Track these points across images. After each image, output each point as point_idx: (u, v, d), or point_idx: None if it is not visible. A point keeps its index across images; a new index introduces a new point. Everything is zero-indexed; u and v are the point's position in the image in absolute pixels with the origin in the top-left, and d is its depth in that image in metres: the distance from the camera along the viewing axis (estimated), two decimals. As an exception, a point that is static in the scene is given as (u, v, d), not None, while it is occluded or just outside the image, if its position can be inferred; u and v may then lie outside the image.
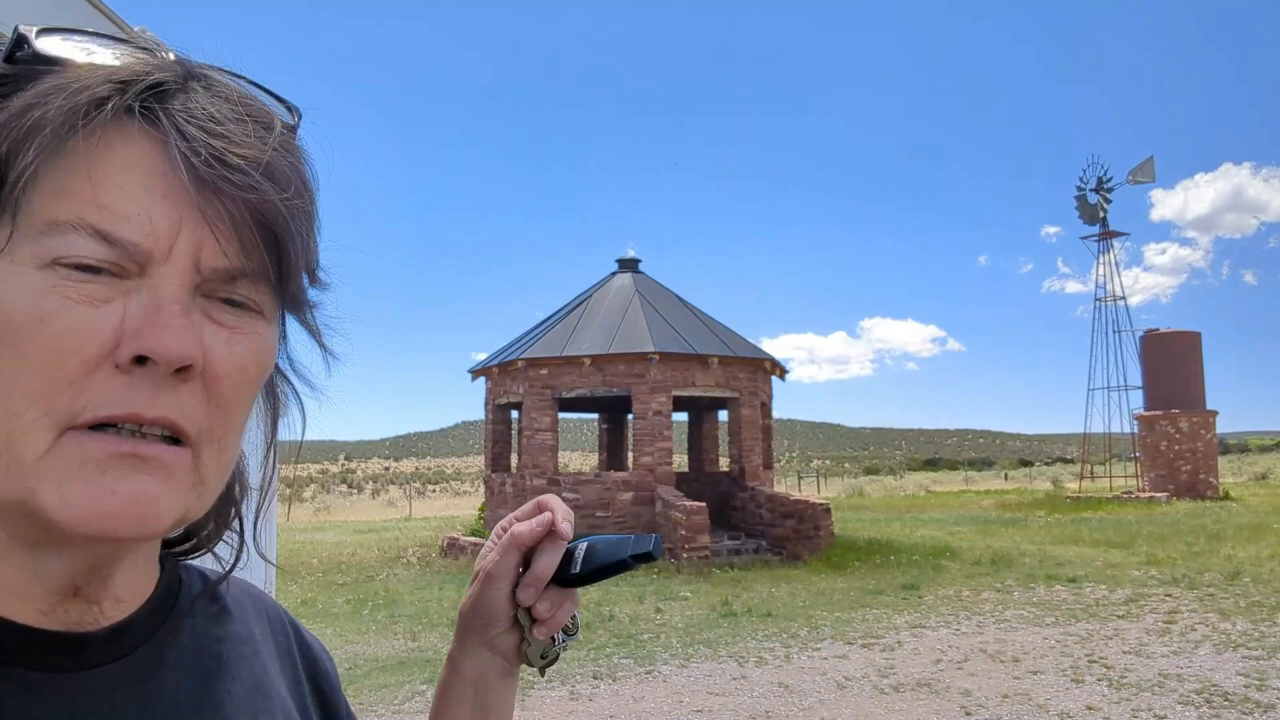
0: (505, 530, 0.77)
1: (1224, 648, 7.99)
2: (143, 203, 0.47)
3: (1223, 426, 33.11)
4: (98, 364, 0.46)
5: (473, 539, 16.89)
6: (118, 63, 0.50)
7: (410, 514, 34.17)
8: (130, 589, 0.56)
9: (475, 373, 18.84)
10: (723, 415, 19.36)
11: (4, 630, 0.49)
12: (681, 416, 21.28)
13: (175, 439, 0.48)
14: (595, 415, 23.16)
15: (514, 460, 18.53)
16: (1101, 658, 7.78)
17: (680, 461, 21.49)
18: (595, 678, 7.51)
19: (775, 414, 19.13)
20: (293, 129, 0.56)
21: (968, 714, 6.29)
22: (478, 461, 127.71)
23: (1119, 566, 13.50)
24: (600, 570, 0.76)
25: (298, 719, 0.66)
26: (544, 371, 16.70)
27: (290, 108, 0.57)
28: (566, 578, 0.76)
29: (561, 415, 19.35)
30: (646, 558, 0.76)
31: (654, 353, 16.08)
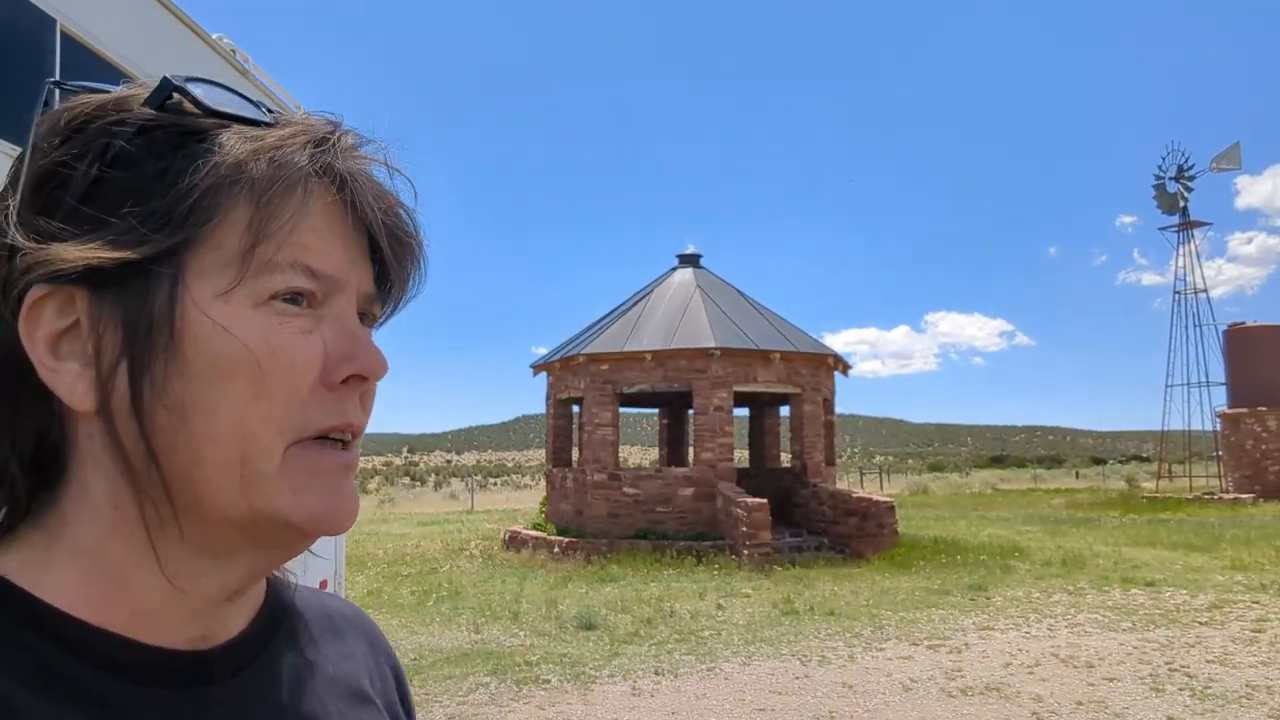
0: None
1: None
2: (332, 244, 0.55)
3: None
4: (317, 385, 0.54)
5: (534, 532, 17.03)
6: (312, 122, 0.57)
7: (472, 507, 34.59)
8: (250, 603, 0.62)
9: (537, 368, 18.98)
10: (784, 411, 19.20)
11: (132, 650, 0.53)
12: (743, 412, 21.21)
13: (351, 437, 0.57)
14: (656, 410, 23.18)
15: (575, 455, 18.63)
16: (1183, 666, 7.51)
17: (741, 457, 21.41)
18: (657, 674, 7.51)
19: (837, 409, 18.93)
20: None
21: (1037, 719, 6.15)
22: (538, 455, 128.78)
23: (1201, 570, 13.04)
24: None
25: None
26: (605, 367, 16.75)
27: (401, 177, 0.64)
28: None
29: (622, 410, 19.41)
30: None
31: (715, 348, 16.02)
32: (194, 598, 0.55)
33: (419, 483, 67.32)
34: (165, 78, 0.54)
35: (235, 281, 0.52)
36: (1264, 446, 28.47)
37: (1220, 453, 30.99)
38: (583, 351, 17.05)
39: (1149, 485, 34.83)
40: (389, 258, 0.58)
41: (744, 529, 14.11)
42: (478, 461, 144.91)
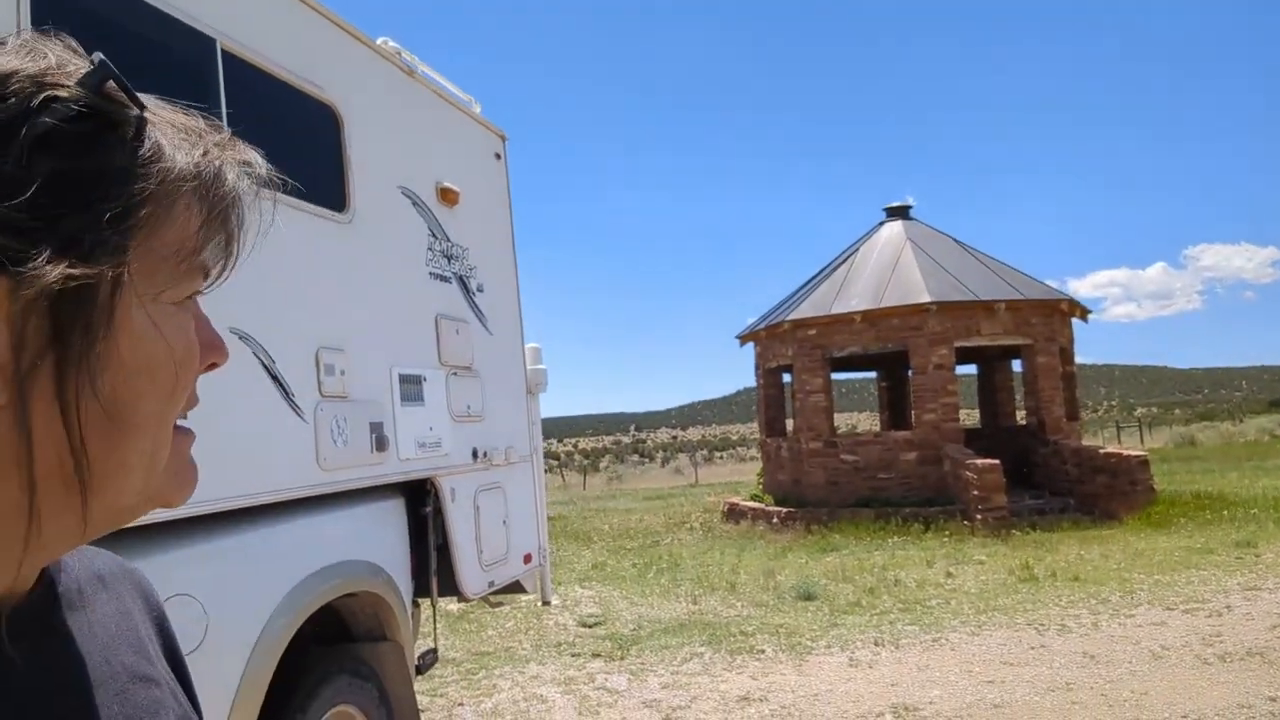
0: None
1: None
2: (219, 241, 0.59)
3: None
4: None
5: (752, 504, 17.05)
6: (220, 151, 0.58)
7: (696, 480, 35.10)
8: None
9: (743, 338, 18.92)
10: (1017, 365, 18.12)
11: None
12: (969, 369, 20.20)
13: None
14: (873, 373, 22.54)
15: (789, 424, 18.46)
16: None
17: (971, 417, 20.42)
18: (876, 644, 7.33)
19: (1088, 359, 17.85)
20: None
21: (1321, 691, 5.49)
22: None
23: None
24: None
25: (177, 687, 0.71)
26: (812, 332, 16.44)
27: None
28: None
29: (837, 375, 19.01)
30: None
31: (930, 303, 15.33)
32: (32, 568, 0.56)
33: (646, 459, 69.05)
34: (102, 59, 0.52)
35: (170, 283, 0.55)
36: None
37: None
38: (788, 318, 16.81)
39: None
40: (235, 260, 0.61)
41: (975, 492, 13.46)
42: (702, 436, 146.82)
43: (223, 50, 3.04)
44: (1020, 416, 19.21)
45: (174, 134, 0.55)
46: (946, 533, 13.03)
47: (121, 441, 0.53)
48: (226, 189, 0.57)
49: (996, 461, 13.58)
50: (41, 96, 0.49)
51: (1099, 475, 14.29)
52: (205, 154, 0.56)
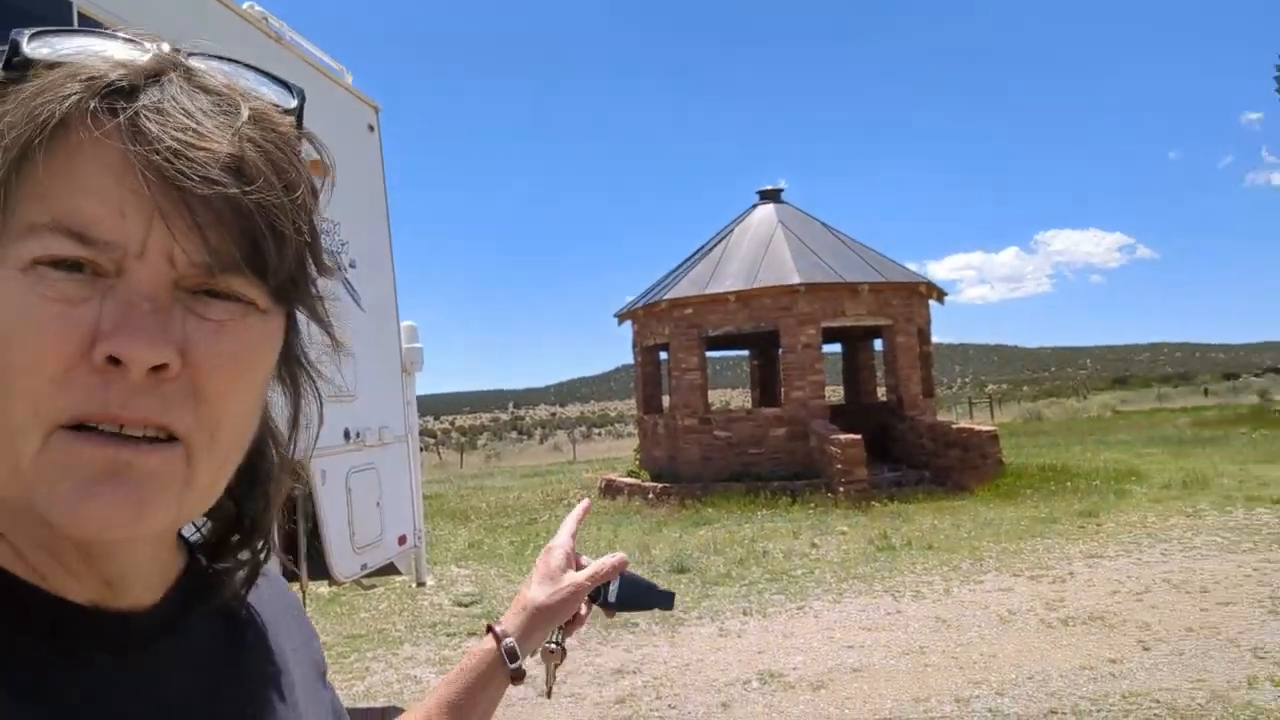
0: (566, 552, 1.03)
1: None
2: (114, 202, 0.48)
3: None
4: (76, 363, 0.47)
5: (629, 479, 17.22)
6: (92, 62, 0.50)
7: (574, 457, 35.20)
8: (141, 576, 0.57)
9: (621, 316, 19.02)
10: (879, 344, 18.82)
11: (59, 608, 0.52)
12: (835, 348, 20.85)
13: (167, 437, 0.49)
14: (746, 352, 23.01)
15: (666, 401, 18.69)
16: (1312, 588, 7.12)
17: (836, 394, 21.10)
18: (745, 614, 7.53)
19: (944, 339, 18.63)
20: (292, 112, 0.56)
21: (1145, 648, 5.93)
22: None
23: (1337, 485, 12.34)
24: (633, 607, 1.05)
25: (314, 697, 0.71)
26: (688, 311, 16.67)
27: (292, 90, 0.57)
28: (602, 602, 1.04)
29: (711, 353, 19.32)
30: (665, 605, 1.08)
31: (800, 284, 15.74)
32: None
33: (525, 436, 68.77)
34: (11, 35, 0.50)
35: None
36: None
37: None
38: (665, 297, 16.99)
39: (1285, 398, 32.99)
40: (196, 223, 0.48)
41: (839, 466, 13.95)
42: (581, 413, 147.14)
43: (79, 14, 2.86)
44: (881, 393, 19.99)
45: (34, 84, 0.49)
46: (812, 505, 13.47)
47: None
48: (28, 129, 0.48)
49: (858, 436, 14.10)
50: None
51: (952, 449, 15.01)
52: (21, 94, 0.49)
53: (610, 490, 17.34)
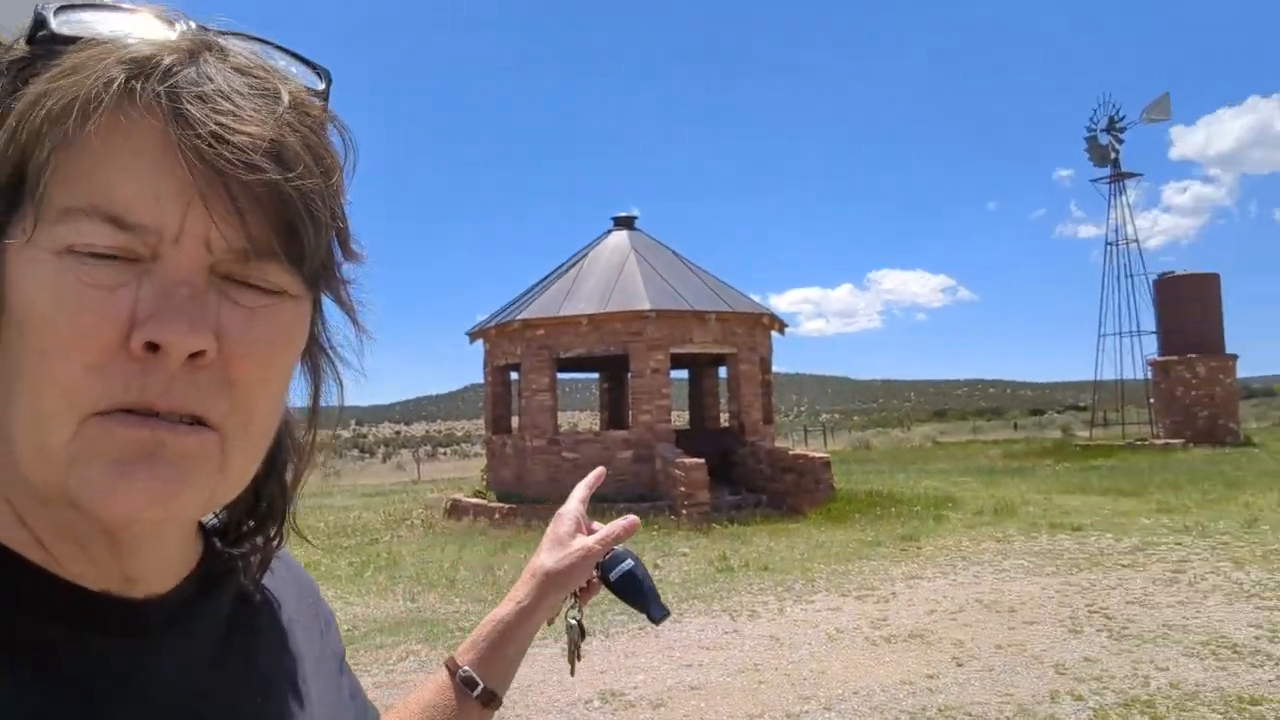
0: (575, 518, 1.00)
1: (1235, 598, 7.80)
2: (151, 186, 0.47)
3: (1250, 371, 32.74)
4: (114, 351, 0.46)
5: (475, 500, 16.95)
6: (130, 41, 0.48)
7: (419, 477, 34.37)
8: (162, 567, 0.57)
9: (473, 335, 18.79)
10: (723, 372, 19.30)
11: (69, 592, 0.51)
12: (682, 374, 21.24)
13: (199, 421, 0.48)
14: (596, 375, 23.14)
15: (515, 421, 18.55)
16: (1103, 608, 7.69)
17: (681, 419, 21.47)
18: (588, 633, 7.53)
19: (782, 368, 19.15)
20: (320, 94, 0.55)
21: (959, 664, 6.28)
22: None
23: (1128, 515, 13.39)
24: (625, 595, 0.99)
25: (330, 685, 0.70)
26: (541, 332, 16.64)
27: (320, 72, 0.56)
28: (601, 574, 0.99)
29: (562, 375, 19.31)
30: (655, 617, 0.99)
31: (651, 310, 15.99)
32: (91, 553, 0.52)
33: (367, 455, 66.66)
34: (36, 9, 0.49)
35: (32, 226, 0.46)
36: (1193, 393, 29.25)
37: (1151, 400, 31.85)
38: (518, 317, 16.91)
39: (1083, 434, 35.81)
40: (237, 208, 0.48)
41: (682, 489, 14.19)
42: (427, 432, 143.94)
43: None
44: (724, 419, 20.46)
45: (73, 60, 0.48)
46: (656, 527, 13.62)
47: (9, 406, 0.48)
48: (62, 109, 0.46)
49: (702, 460, 14.40)
50: None
51: (788, 474, 15.54)
52: (56, 72, 0.47)
53: (456, 510, 17.02)
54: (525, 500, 15.91)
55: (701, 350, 16.96)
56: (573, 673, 1.07)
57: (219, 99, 0.47)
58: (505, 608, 0.93)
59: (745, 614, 8.05)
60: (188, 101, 0.47)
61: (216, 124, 0.46)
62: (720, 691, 5.91)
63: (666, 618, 1.00)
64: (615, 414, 21.89)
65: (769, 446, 16.94)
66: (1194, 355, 29.38)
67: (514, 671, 0.93)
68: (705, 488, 14.16)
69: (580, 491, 1.06)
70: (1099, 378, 36.28)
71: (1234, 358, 29.68)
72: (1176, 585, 8.44)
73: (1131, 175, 36.48)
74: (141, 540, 0.54)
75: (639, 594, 0.99)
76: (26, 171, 0.47)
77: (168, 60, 0.48)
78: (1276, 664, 5.94)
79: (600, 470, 1.15)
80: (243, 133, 0.47)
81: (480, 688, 0.89)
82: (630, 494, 15.47)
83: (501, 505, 15.91)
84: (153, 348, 0.46)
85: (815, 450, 18.96)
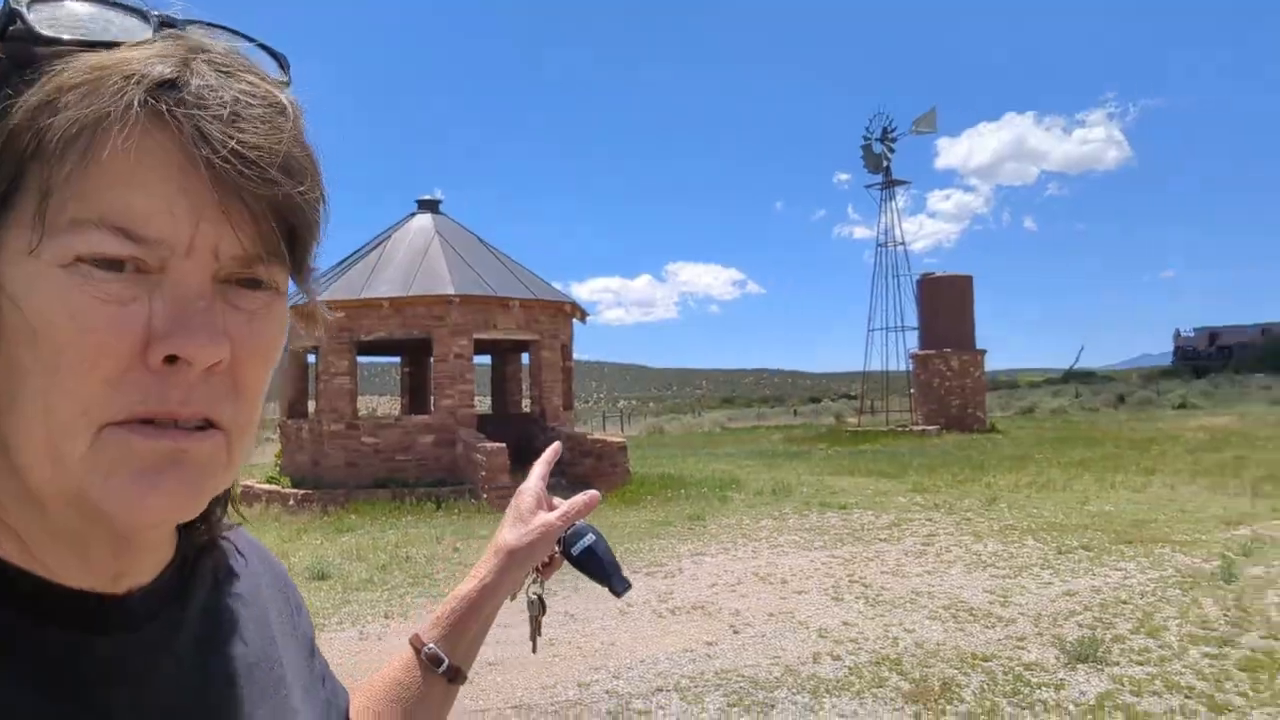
0: (536, 494, 0.99)
1: (974, 568, 8.66)
2: (163, 198, 0.46)
3: (999, 364, 35.98)
4: (131, 364, 0.46)
5: (267, 486, 16.22)
6: (133, 55, 0.47)
7: (203, 462, 32.29)
8: (153, 562, 0.58)
9: (268, 315, 17.89)
10: (525, 358, 19.39)
11: (43, 589, 0.51)
12: (486, 359, 21.15)
13: (209, 423, 0.49)
14: (398, 359, 22.62)
15: (311, 406, 17.87)
16: (861, 578, 8.39)
17: (484, 404, 21.39)
18: (386, 617, 7.49)
19: (583, 355, 19.39)
20: (285, 84, 0.54)
21: (735, 632, 6.74)
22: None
23: (888, 494, 14.56)
24: (587, 569, 0.99)
25: (302, 667, 0.71)
26: (341, 314, 15.84)
27: (281, 63, 0.55)
28: (564, 549, 0.99)
29: (362, 359, 18.77)
30: (617, 590, 1.00)
31: (454, 295, 15.84)
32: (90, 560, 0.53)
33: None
34: (6, 2, 0.47)
35: (40, 239, 0.45)
36: (948, 384, 31.97)
37: (912, 390, 34.59)
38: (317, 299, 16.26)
39: (853, 420, 38.37)
40: (253, 219, 0.48)
41: (484, 473, 14.20)
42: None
43: None
44: (526, 405, 20.56)
45: (71, 67, 0.47)
46: (457, 511, 13.58)
47: (12, 416, 0.47)
48: (76, 119, 0.45)
49: (503, 445, 14.47)
50: None
51: (587, 458, 15.87)
52: (62, 82, 0.46)
53: (247, 497, 16.18)
54: (322, 486, 15.40)
55: (505, 336, 16.98)
56: (535, 649, 1.09)
57: (234, 117, 0.48)
58: (469, 585, 0.94)
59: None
60: (205, 121, 0.47)
61: (237, 141, 0.47)
62: (517, 665, 6.07)
63: (628, 590, 1.01)
64: (417, 398, 21.50)
65: (569, 431, 17.21)
66: (949, 350, 32.12)
67: (478, 648, 0.93)
68: (506, 472, 14.24)
69: (539, 468, 1.05)
70: (867, 369, 38.99)
71: (983, 352, 32.72)
72: (925, 557, 9.34)
73: (901, 182, 39.37)
74: (150, 540, 0.56)
75: (600, 568, 0.99)
76: (23, 185, 0.46)
77: (175, 73, 0.47)
78: (1005, 625, 6.72)
79: (556, 445, 1.12)
80: (259, 149, 0.48)
81: (445, 664, 0.89)
82: (431, 479, 15.30)
83: (296, 491, 15.32)
84: (171, 359, 0.47)
85: (613, 435, 19.42)
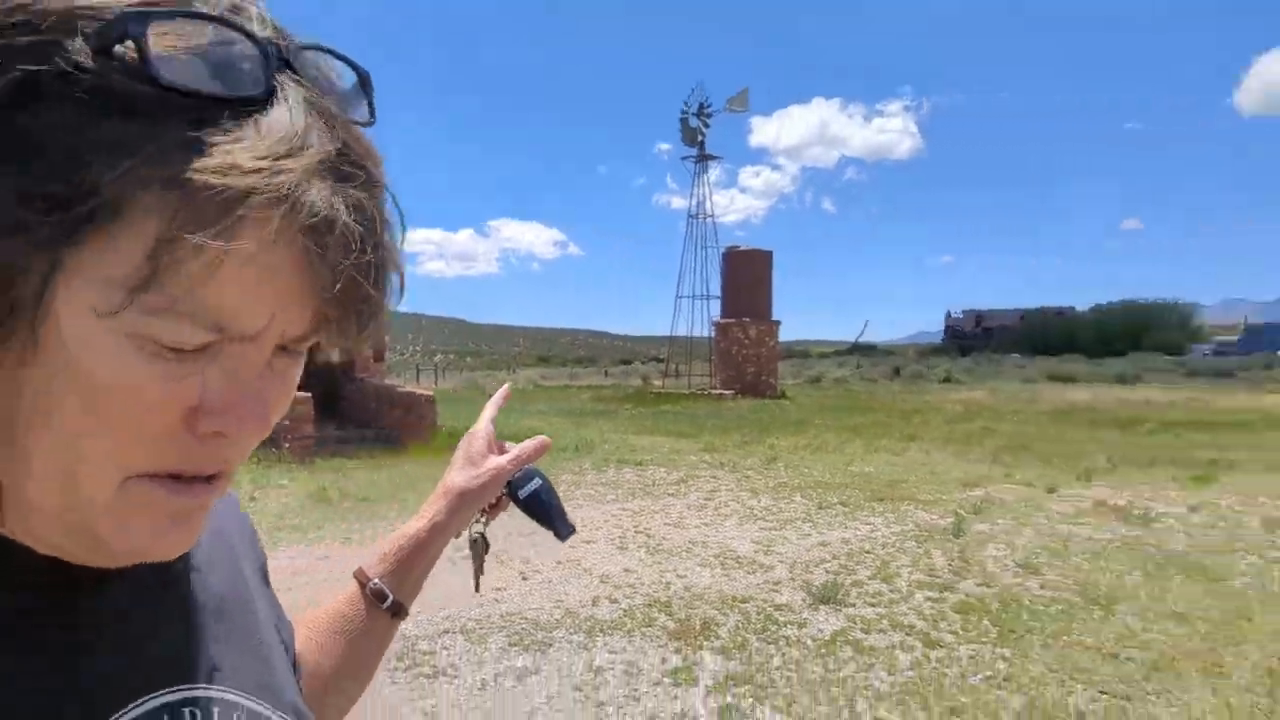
0: (486, 438, 0.99)
1: (747, 520, 9.26)
2: (257, 300, 0.43)
3: (794, 335, 37.75)
4: (174, 429, 0.44)
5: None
6: (262, 158, 0.40)
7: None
8: None
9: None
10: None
11: (23, 555, 0.48)
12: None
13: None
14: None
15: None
16: (646, 529, 8.82)
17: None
18: (173, 566, 7.25)
19: (401, 308, 18.84)
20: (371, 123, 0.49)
21: (524, 578, 7.01)
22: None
23: (681, 453, 15.18)
24: (533, 512, 1.01)
25: (271, 603, 0.70)
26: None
27: (370, 100, 0.49)
28: (510, 491, 1.00)
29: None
30: (561, 534, 1.02)
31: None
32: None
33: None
34: (124, 13, 0.39)
35: (117, 308, 0.40)
36: (745, 351, 33.42)
37: (713, 356, 35.98)
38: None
39: (659, 383, 39.49)
40: (340, 328, 0.46)
41: (287, 423, 13.74)
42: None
43: None
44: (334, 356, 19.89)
45: (211, 130, 0.39)
46: (256, 459, 13.10)
47: (26, 445, 0.44)
48: (215, 202, 0.39)
49: (309, 395, 14.05)
50: (39, 39, 0.38)
51: (395, 410, 15.67)
52: (226, 160, 0.39)
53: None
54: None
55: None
56: (478, 588, 1.10)
57: (355, 239, 0.43)
58: (418, 523, 0.93)
59: (339, 540, 8.20)
60: (331, 245, 0.42)
61: (354, 267, 0.43)
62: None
63: (573, 535, 1.01)
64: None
65: (378, 383, 16.89)
66: (747, 319, 33.58)
67: (421, 585, 0.93)
68: (310, 421, 13.86)
69: (489, 411, 1.04)
70: (674, 334, 40.21)
71: (778, 323, 34.39)
72: (705, 510, 9.91)
73: (714, 157, 40.52)
74: None
75: (546, 512, 1.01)
76: (126, 238, 0.39)
77: (326, 212, 0.42)
78: (765, 571, 7.31)
79: (506, 388, 1.11)
80: (369, 268, 0.44)
81: (390, 600, 0.88)
82: (230, 426, 14.65)
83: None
84: (216, 436, 0.45)
85: (423, 388, 19.20)
